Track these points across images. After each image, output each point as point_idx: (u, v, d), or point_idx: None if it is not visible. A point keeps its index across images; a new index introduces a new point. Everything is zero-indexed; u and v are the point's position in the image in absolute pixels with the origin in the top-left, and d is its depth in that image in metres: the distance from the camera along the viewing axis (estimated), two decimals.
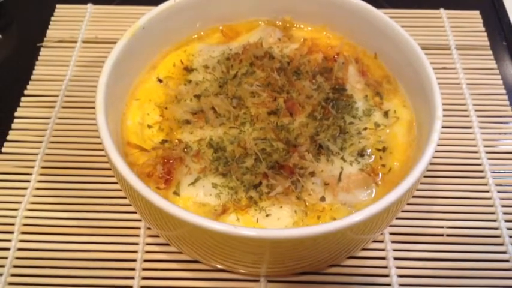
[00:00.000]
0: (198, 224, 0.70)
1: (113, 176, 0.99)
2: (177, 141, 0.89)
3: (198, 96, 0.94)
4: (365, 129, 0.91)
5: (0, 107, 1.15)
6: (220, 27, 1.07)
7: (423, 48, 0.91)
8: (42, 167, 1.05)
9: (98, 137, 0.79)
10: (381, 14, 0.95)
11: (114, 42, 0.90)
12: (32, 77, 1.20)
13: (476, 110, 1.16)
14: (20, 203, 1.00)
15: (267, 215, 0.81)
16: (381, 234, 0.97)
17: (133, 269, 0.93)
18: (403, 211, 0.99)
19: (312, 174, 0.83)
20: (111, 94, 0.86)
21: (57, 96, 1.16)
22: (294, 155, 0.84)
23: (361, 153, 0.88)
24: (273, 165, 0.84)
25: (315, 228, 0.70)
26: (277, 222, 0.80)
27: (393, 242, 0.97)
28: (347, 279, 0.93)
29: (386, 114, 0.93)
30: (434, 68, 0.88)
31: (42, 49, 1.26)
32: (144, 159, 0.86)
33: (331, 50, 1.02)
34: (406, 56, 0.91)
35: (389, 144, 0.90)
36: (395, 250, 0.96)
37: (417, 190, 0.99)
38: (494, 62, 1.26)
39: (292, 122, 0.90)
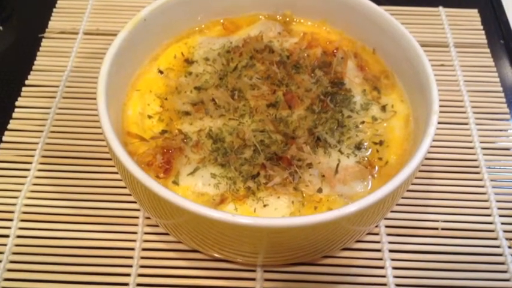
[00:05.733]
0: (197, 211, 0.71)
1: (112, 166, 1.01)
2: (176, 131, 0.90)
3: (198, 88, 0.95)
4: (362, 122, 0.92)
5: (2, 97, 1.16)
6: (221, 21, 1.08)
7: (421, 46, 0.92)
8: (42, 156, 1.06)
9: (98, 127, 0.80)
10: (380, 10, 0.96)
11: (116, 34, 0.91)
12: (34, 67, 1.21)
13: (473, 107, 1.17)
14: (19, 191, 1.01)
15: (265, 205, 0.82)
16: (376, 226, 0.98)
17: (131, 258, 0.94)
18: (399, 204, 1.00)
19: (310, 166, 0.85)
20: (112, 84, 0.87)
21: (58, 86, 1.17)
22: (292, 146, 0.85)
23: (358, 146, 0.89)
24: (271, 157, 0.85)
25: (311, 218, 0.71)
26: (274, 212, 0.81)
27: (388, 234, 0.98)
28: (342, 270, 0.94)
29: (383, 108, 0.94)
30: (432, 65, 0.89)
31: (43, 40, 1.27)
32: (144, 149, 0.87)
33: (331, 45, 1.03)
34: (404, 52, 0.92)
35: (386, 137, 0.91)
36: (390, 243, 0.97)
37: (413, 184, 1.01)
38: (491, 59, 1.27)
39: (291, 115, 0.91)
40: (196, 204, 0.71)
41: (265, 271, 0.93)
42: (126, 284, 0.91)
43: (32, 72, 1.20)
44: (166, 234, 0.95)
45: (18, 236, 0.96)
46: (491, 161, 1.09)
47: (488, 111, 1.17)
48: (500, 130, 1.14)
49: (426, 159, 0.81)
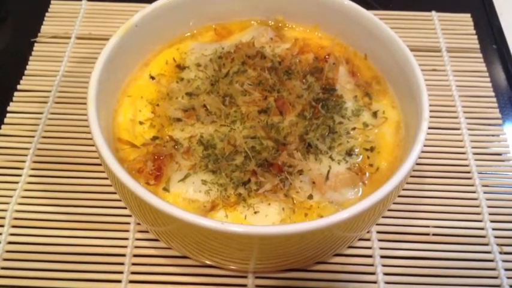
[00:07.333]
0: (186, 219, 0.70)
1: (103, 172, 1.00)
2: (167, 138, 0.89)
3: (189, 94, 0.95)
4: (354, 129, 0.92)
5: None
6: (213, 26, 1.08)
7: (414, 50, 0.92)
8: (34, 162, 1.06)
9: (90, 133, 0.80)
10: (371, 16, 0.96)
11: (108, 39, 0.91)
12: (26, 72, 1.21)
13: (465, 112, 1.18)
14: (11, 197, 1.01)
15: (255, 212, 0.82)
16: (368, 232, 0.98)
17: (122, 264, 0.94)
18: (390, 210, 1.00)
19: (301, 172, 0.85)
20: (103, 90, 0.86)
21: (50, 91, 1.17)
22: (283, 153, 0.85)
23: (349, 153, 0.89)
24: (262, 163, 0.85)
25: (302, 225, 0.71)
26: (265, 219, 0.81)
27: (380, 240, 0.98)
28: (333, 276, 0.94)
29: (375, 114, 0.94)
30: (424, 70, 0.89)
31: (36, 44, 1.26)
32: (135, 155, 0.87)
33: (322, 50, 1.03)
34: (395, 58, 0.92)
35: (377, 144, 0.91)
36: (381, 248, 0.97)
37: (405, 190, 1.01)
38: (484, 64, 1.27)
39: (282, 121, 0.91)
40: (186, 212, 0.71)
41: (256, 277, 0.93)
42: None
43: (24, 77, 1.20)
44: (158, 240, 0.95)
45: (9, 242, 0.96)
46: (483, 166, 1.09)
47: (480, 116, 1.17)
48: (492, 135, 1.15)
49: (417, 164, 0.81)
